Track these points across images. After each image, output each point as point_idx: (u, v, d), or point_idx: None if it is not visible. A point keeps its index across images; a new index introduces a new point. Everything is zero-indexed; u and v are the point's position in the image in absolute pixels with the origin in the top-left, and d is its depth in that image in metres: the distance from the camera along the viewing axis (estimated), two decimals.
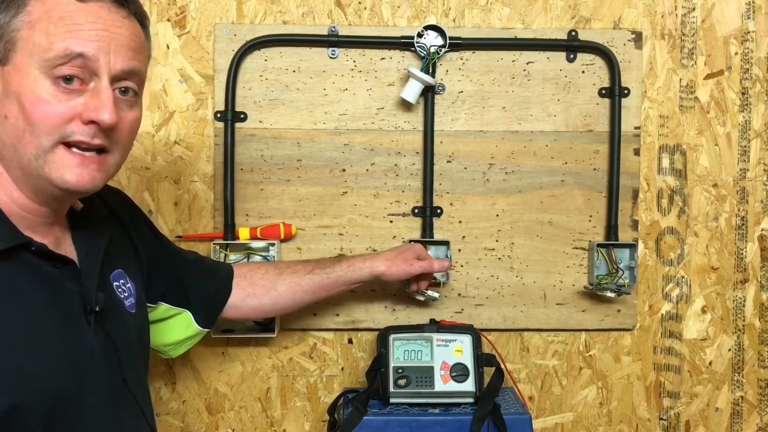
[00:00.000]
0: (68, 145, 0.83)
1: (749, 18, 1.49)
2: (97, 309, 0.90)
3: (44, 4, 0.80)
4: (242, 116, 1.44)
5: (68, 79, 0.81)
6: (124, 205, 1.13)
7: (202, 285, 1.20)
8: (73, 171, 0.83)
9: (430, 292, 1.41)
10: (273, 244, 1.41)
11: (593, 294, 1.47)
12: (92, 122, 0.82)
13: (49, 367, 0.83)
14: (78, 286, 0.89)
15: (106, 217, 1.02)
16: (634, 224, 1.48)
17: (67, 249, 0.92)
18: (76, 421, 0.86)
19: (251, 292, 1.25)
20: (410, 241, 1.42)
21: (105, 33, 0.82)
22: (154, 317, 1.17)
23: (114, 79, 0.84)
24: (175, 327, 1.21)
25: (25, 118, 0.81)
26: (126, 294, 1.01)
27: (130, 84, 0.86)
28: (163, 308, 1.18)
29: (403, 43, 1.43)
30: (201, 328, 1.22)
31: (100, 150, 0.85)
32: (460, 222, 1.47)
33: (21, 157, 0.83)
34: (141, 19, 0.89)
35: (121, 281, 1.01)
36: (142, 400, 1.00)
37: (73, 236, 0.94)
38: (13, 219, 0.85)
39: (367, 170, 1.46)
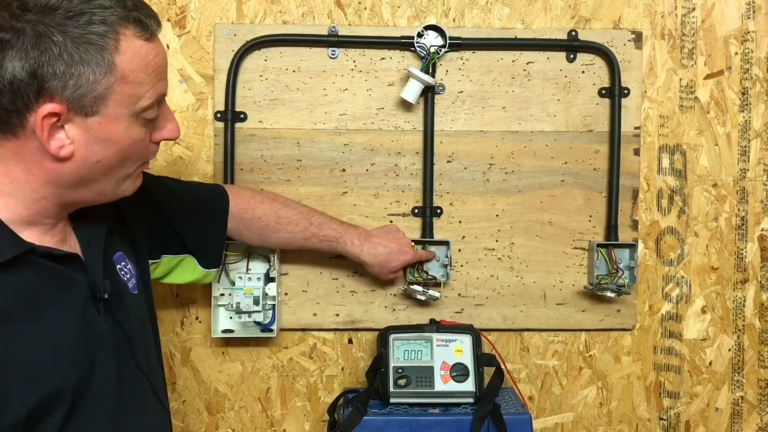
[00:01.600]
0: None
1: (749, 18, 1.49)
2: (106, 296, 0.92)
3: (125, 55, 0.83)
4: (242, 116, 1.44)
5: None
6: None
7: (196, 232, 1.22)
8: (138, 179, 0.95)
9: (431, 292, 1.41)
10: None
11: (593, 294, 1.47)
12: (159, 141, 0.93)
13: (65, 362, 0.85)
14: (85, 276, 0.91)
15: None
16: (634, 224, 1.48)
17: (72, 242, 0.94)
18: (93, 408, 0.88)
19: (246, 235, 1.29)
20: (410, 242, 1.42)
21: (166, 64, 0.89)
22: (161, 270, 1.21)
23: None
24: (183, 272, 1.24)
25: (122, 158, 0.88)
26: (128, 276, 1.02)
27: None
28: (167, 259, 1.20)
29: (403, 43, 1.43)
30: (207, 270, 1.25)
31: None
32: (460, 222, 1.47)
33: (100, 186, 0.89)
34: None
35: (123, 263, 1.02)
36: (155, 381, 1.03)
37: (74, 227, 0.95)
38: (23, 225, 0.86)
39: (367, 170, 1.46)
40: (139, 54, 0.84)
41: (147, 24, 0.84)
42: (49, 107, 0.80)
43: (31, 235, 0.87)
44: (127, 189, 0.94)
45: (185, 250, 1.21)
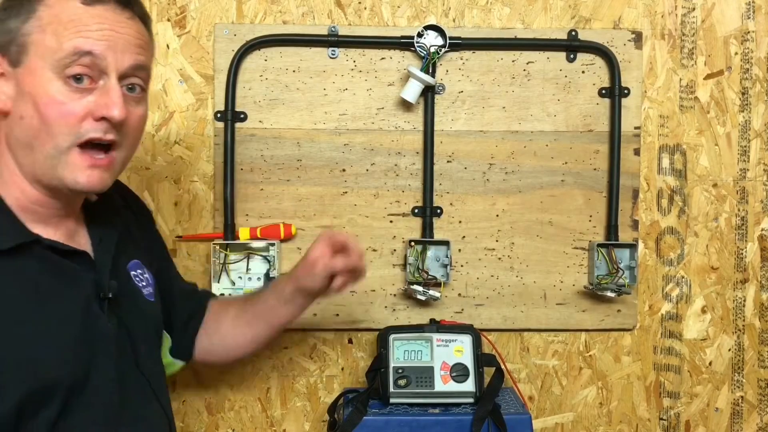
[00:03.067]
0: (82, 145, 0.87)
1: (749, 18, 1.49)
2: (110, 295, 0.93)
3: (52, 8, 0.85)
4: (242, 116, 1.44)
5: (78, 78, 0.85)
6: (140, 208, 1.17)
7: (180, 307, 1.18)
8: (84, 173, 0.87)
9: (431, 292, 1.41)
10: (273, 244, 1.41)
11: (593, 294, 1.47)
12: (103, 118, 0.86)
13: (62, 354, 0.86)
14: (92, 274, 0.92)
15: (121, 209, 1.05)
16: (634, 224, 1.48)
17: (82, 240, 0.95)
18: (89, 405, 0.88)
19: (213, 331, 1.21)
20: (410, 242, 1.42)
21: (111, 33, 0.86)
22: None
23: (122, 77, 0.88)
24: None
25: (41, 118, 0.85)
26: (144, 283, 1.04)
27: (137, 80, 0.90)
28: None
29: (403, 43, 1.43)
30: (173, 359, 1.19)
31: (110, 146, 0.89)
32: (460, 222, 1.47)
33: (36, 155, 0.87)
34: (144, 19, 0.93)
35: (139, 271, 1.04)
36: (157, 385, 1.02)
37: (88, 227, 0.97)
38: (26, 213, 0.90)
39: (367, 170, 1.46)
40: (66, 10, 0.85)
41: None
42: None
43: (37, 229, 0.89)
44: (67, 175, 0.87)
45: (168, 326, 1.15)
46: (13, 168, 0.89)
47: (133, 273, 1.02)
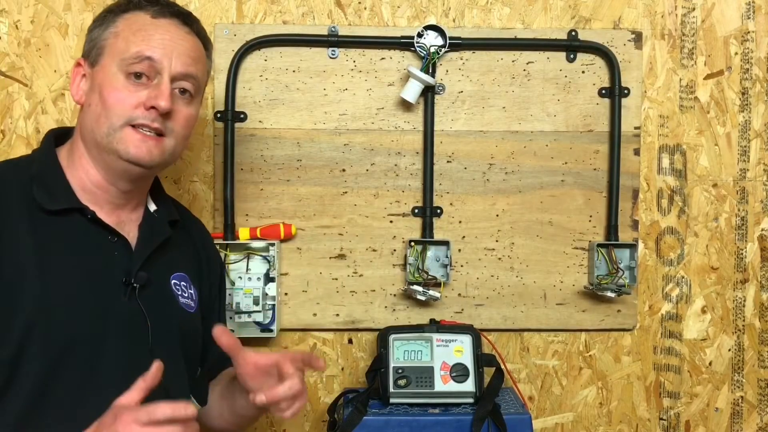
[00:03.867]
0: (133, 126, 1.00)
1: (749, 18, 1.49)
2: (135, 284, 1.00)
3: (127, 20, 1.02)
4: (242, 116, 1.44)
5: (138, 75, 1.00)
6: (207, 242, 1.23)
7: (213, 350, 1.09)
8: (134, 145, 1.00)
9: (431, 292, 1.41)
10: (273, 244, 1.41)
11: (593, 294, 1.47)
12: (152, 108, 0.99)
13: (71, 315, 0.94)
14: (126, 261, 1.01)
15: (181, 230, 1.14)
16: (634, 224, 1.48)
17: (130, 233, 1.05)
18: (89, 373, 0.95)
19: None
20: (410, 242, 1.42)
21: (170, 43, 1.02)
22: None
23: (173, 79, 1.01)
24: None
25: (102, 103, 0.99)
26: (185, 294, 1.09)
27: (186, 85, 1.04)
28: None
29: (403, 43, 1.43)
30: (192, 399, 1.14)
31: (159, 134, 1.01)
32: (460, 222, 1.47)
33: (96, 135, 1.00)
34: (201, 37, 1.08)
35: (183, 283, 1.10)
36: (169, 379, 0.98)
37: (141, 226, 1.07)
38: (85, 193, 1.01)
39: (367, 170, 1.46)
40: (138, 22, 1.02)
41: (158, 9, 1.03)
42: (78, 60, 1.05)
43: (90, 207, 1.00)
44: (121, 147, 0.99)
45: (201, 361, 1.14)
46: (82, 152, 1.02)
47: (174, 281, 1.08)
